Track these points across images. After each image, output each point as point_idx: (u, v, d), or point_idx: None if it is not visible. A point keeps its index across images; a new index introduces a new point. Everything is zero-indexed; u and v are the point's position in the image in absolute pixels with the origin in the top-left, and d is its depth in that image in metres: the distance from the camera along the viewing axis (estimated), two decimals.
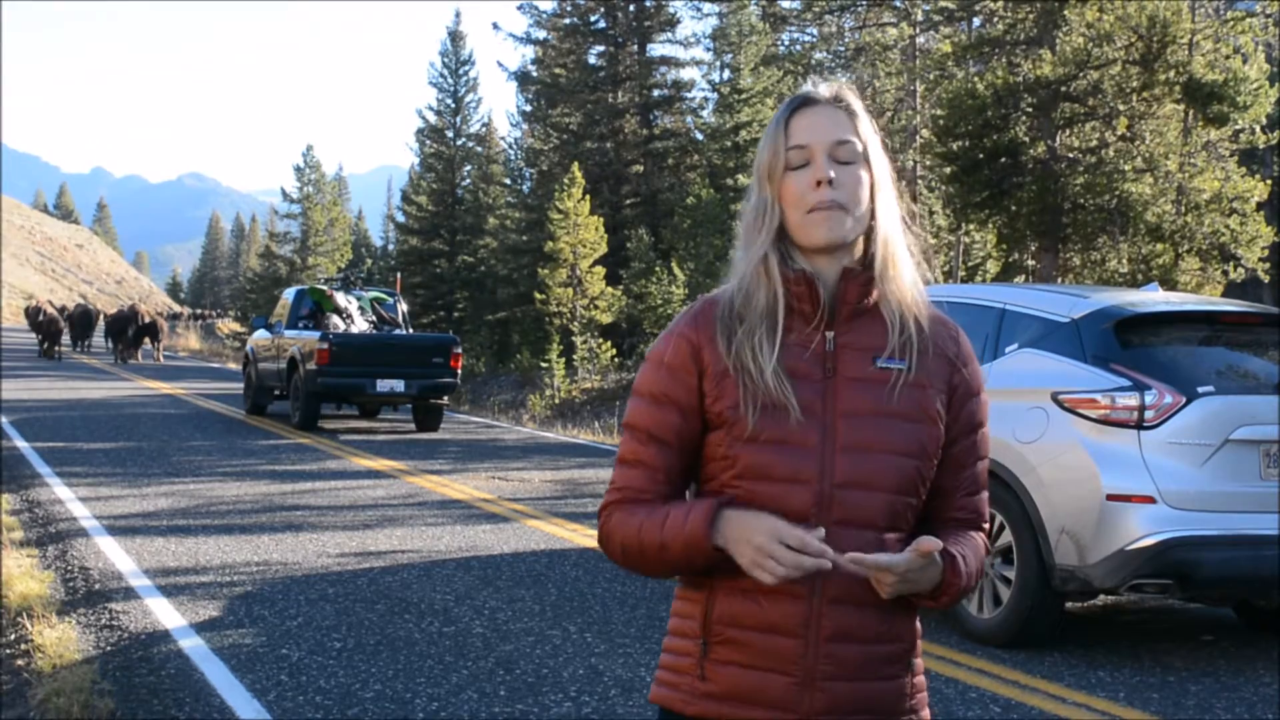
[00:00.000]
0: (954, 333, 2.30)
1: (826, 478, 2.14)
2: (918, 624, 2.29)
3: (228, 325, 75.99)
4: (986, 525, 2.34)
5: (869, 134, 2.23)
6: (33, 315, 46.51)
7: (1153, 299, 7.80)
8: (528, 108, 45.33)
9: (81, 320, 49.20)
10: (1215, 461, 6.81)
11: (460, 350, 20.09)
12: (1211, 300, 8.77)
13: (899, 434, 2.17)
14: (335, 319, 20.44)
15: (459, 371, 20.09)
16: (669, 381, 2.23)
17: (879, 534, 2.14)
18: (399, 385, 18.93)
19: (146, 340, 42.89)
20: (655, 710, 2.30)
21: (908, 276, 2.24)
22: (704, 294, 2.34)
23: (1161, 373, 6.96)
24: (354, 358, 18.59)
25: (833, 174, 2.17)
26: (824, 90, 2.24)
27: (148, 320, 42.57)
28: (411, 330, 23.08)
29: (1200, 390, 6.90)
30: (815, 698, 2.14)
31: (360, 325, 20.76)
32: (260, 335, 21.75)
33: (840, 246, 2.20)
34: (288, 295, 21.82)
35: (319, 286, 21.97)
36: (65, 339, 46.90)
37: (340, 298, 20.94)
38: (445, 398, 20.15)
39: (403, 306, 22.40)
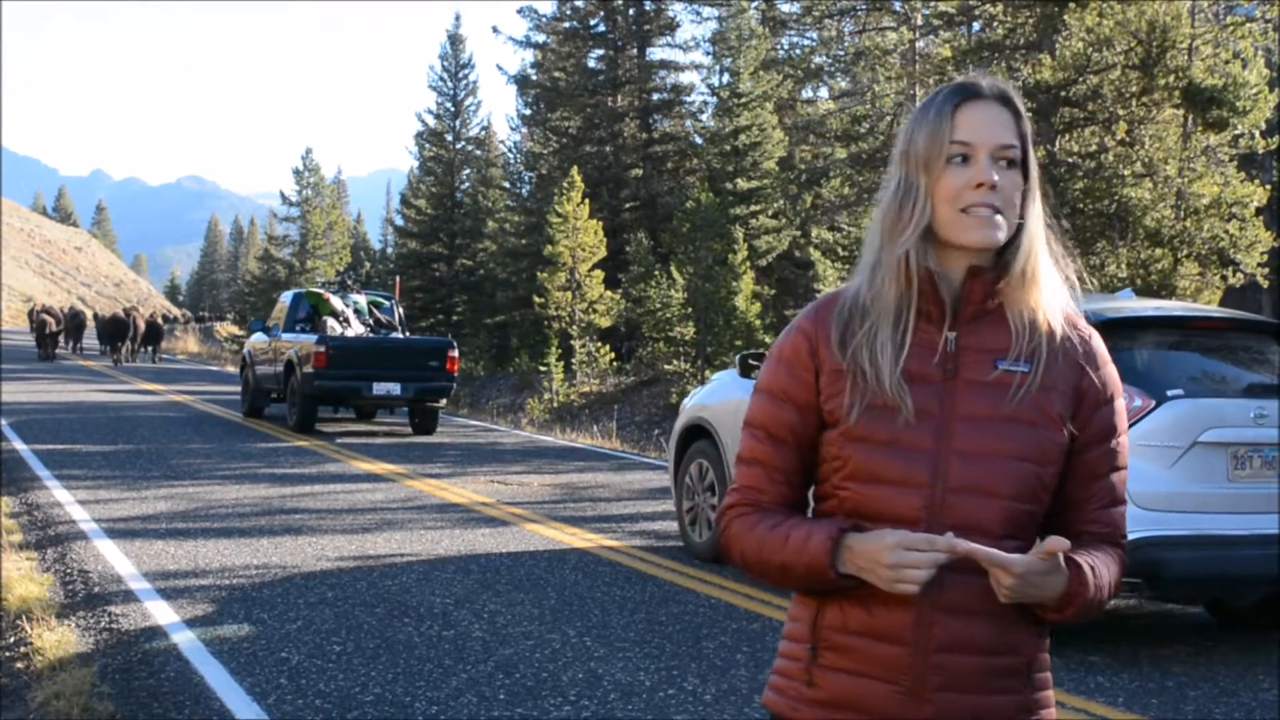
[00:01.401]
0: (1085, 335, 2.22)
1: (939, 482, 2.08)
2: (1046, 639, 2.22)
3: (226, 328, 76.05)
4: (1125, 540, 2.25)
5: (1028, 136, 2.17)
6: (32, 317, 46.75)
7: (1125, 305, 7.94)
8: (527, 111, 45.36)
9: (72, 322, 49.39)
10: (1184, 463, 6.95)
11: (456, 353, 20.16)
12: (1183, 306, 8.96)
13: (1017, 438, 2.10)
14: (332, 322, 20.50)
15: (455, 374, 20.14)
16: (786, 378, 2.19)
17: (995, 541, 2.05)
18: (395, 388, 19.01)
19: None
20: (764, 713, 2.26)
21: (1048, 283, 2.17)
22: (831, 289, 2.27)
23: (1132, 376, 7.05)
24: (350, 361, 18.70)
25: (996, 177, 2.10)
26: (989, 85, 2.16)
27: (145, 325, 42.69)
28: (408, 333, 23.19)
29: (1170, 393, 7.02)
30: (923, 709, 2.08)
31: (357, 328, 20.84)
32: (258, 338, 21.82)
33: (988, 249, 2.13)
34: (285, 298, 21.92)
35: (316, 290, 22.03)
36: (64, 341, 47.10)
37: (337, 301, 21.00)
38: (441, 400, 20.18)
39: (399, 310, 22.47)
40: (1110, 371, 2.22)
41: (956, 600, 2.07)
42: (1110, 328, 7.30)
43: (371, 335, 20.64)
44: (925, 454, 2.08)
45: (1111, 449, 2.20)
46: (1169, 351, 7.56)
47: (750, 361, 9.58)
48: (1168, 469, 6.91)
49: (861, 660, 2.10)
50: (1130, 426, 6.76)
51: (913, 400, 2.09)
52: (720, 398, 9.99)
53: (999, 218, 2.10)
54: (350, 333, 20.41)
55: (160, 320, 46.83)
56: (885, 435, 2.09)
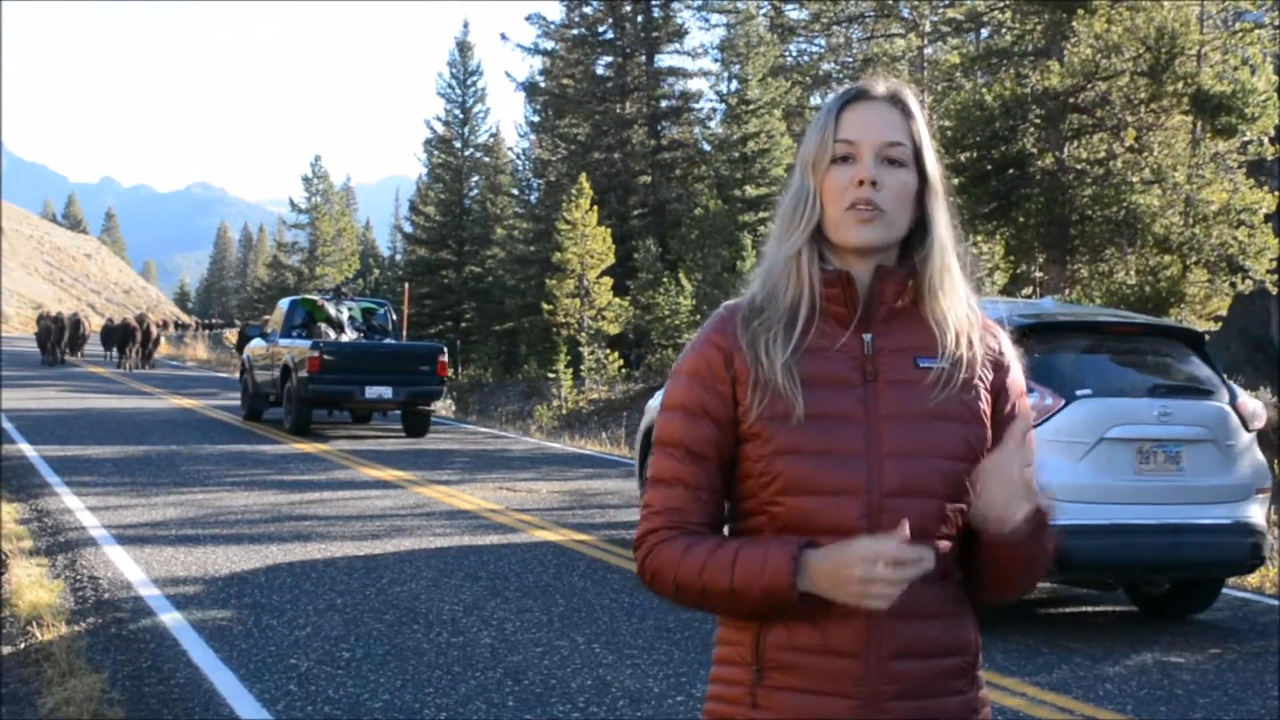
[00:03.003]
0: (995, 331, 2.22)
1: (875, 487, 2.04)
2: (979, 637, 2.18)
3: (235, 335, 76.13)
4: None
5: (922, 137, 2.14)
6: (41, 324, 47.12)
7: (1041, 310, 8.59)
8: (535, 118, 45.45)
9: (75, 330, 49.78)
10: (1092, 457, 7.56)
11: (446, 358, 20.69)
12: (1095, 311, 9.63)
13: (946, 437, 2.08)
14: (326, 328, 21.09)
15: (445, 378, 20.78)
16: (702, 392, 2.12)
17: (933, 542, 2.04)
18: (387, 392, 19.56)
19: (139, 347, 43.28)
20: None
21: (959, 283, 2.16)
22: (726, 302, 2.23)
23: (1044, 377, 7.61)
24: (344, 365, 19.33)
25: (876, 175, 2.07)
26: (881, 87, 2.15)
27: (152, 332, 43.04)
28: (403, 339, 23.98)
29: (1079, 393, 7.62)
30: (879, 719, 2.04)
31: (351, 334, 21.39)
32: (256, 344, 22.35)
33: (874, 250, 2.11)
34: (282, 305, 22.54)
35: (311, 297, 22.65)
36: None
37: (331, 308, 21.58)
38: (432, 403, 20.72)
39: (393, 316, 23.03)
40: (1019, 369, 2.23)
41: (906, 606, 2.01)
42: (1025, 332, 7.76)
43: (364, 340, 21.17)
44: (858, 459, 2.04)
45: (1025, 444, 2.19)
46: (1082, 355, 8.14)
47: None
48: (1076, 462, 7.48)
49: (812, 677, 2.04)
50: (1041, 424, 7.34)
51: (833, 403, 2.06)
52: None
53: (883, 217, 2.08)
54: (344, 338, 20.95)
55: (159, 327, 47.02)
56: (815, 445, 2.04)
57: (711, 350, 2.13)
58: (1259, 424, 8.29)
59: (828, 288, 2.11)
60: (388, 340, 21.87)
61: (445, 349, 21.05)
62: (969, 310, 2.18)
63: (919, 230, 2.14)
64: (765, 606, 2.02)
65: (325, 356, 19.14)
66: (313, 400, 19.56)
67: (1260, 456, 8.34)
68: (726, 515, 2.18)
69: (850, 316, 2.12)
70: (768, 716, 2.07)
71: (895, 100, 2.14)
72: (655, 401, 11.07)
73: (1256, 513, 8.03)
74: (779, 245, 2.16)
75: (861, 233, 2.08)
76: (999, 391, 2.18)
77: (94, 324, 61.49)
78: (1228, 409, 8.07)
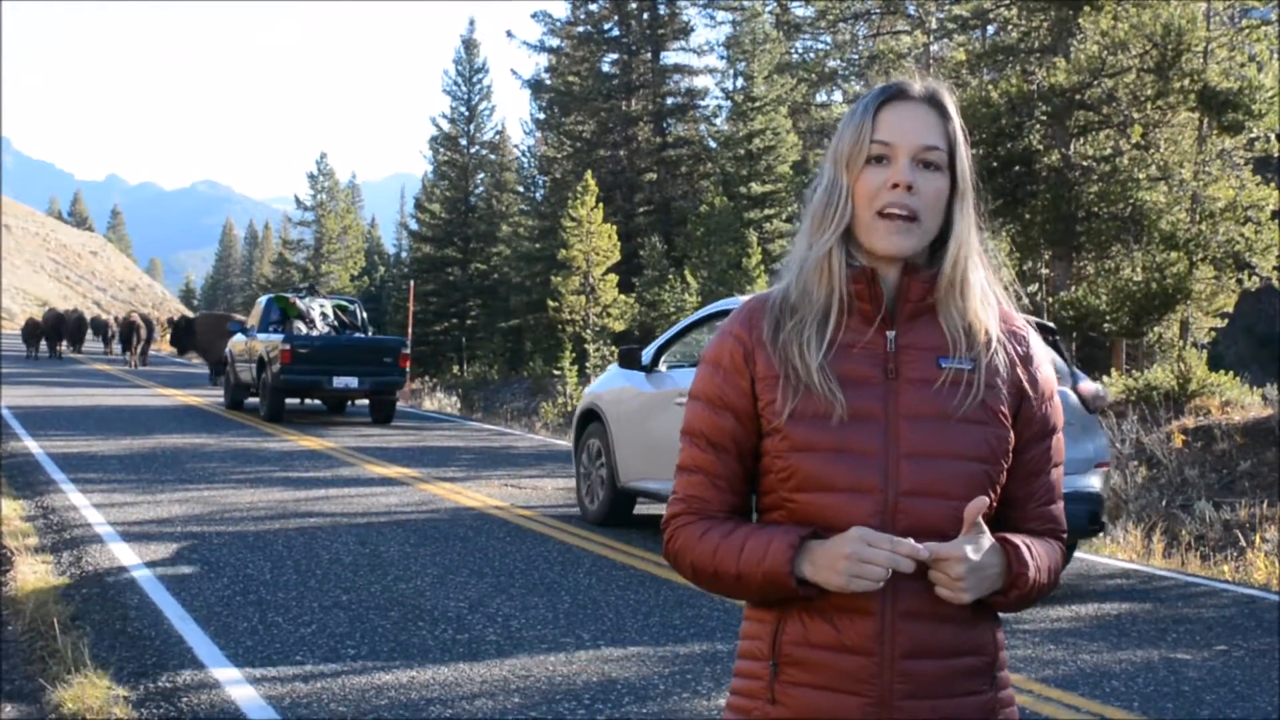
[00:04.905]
0: (1022, 332, 2.20)
1: (891, 486, 2.04)
2: (1000, 635, 2.18)
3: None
4: (1065, 535, 2.23)
5: (957, 138, 2.13)
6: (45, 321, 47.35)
7: None
8: (541, 115, 45.49)
9: (76, 328, 50.03)
10: None
11: (408, 350, 22.54)
12: None
13: (965, 437, 2.07)
14: (299, 323, 23.09)
15: (407, 370, 22.66)
16: (722, 384, 2.15)
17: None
18: (353, 382, 21.39)
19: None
20: None
21: (979, 284, 2.15)
22: (756, 293, 2.24)
23: None
24: (313, 357, 21.05)
25: (912, 179, 2.07)
26: (919, 86, 2.14)
27: (123, 327, 43.58)
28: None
29: None
30: (891, 717, 2.05)
31: (322, 329, 23.18)
32: (237, 339, 24.09)
33: (900, 258, 2.11)
34: (260, 303, 24.35)
35: (285, 295, 24.59)
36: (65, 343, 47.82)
37: (303, 305, 23.52)
38: (395, 393, 22.50)
39: (363, 313, 24.88)
40: (1048, 369, 2.21)
41: (918, 606, 2.04)
42: None
43: (332, 335, 22.88)
44: (874, 458, 2.05)
45: (1050, 446, 2.19)
46: None
47: (629, 355, 11.01)
48: None
49: (826, 674, 2.06)
50: None
51: (852, 400, 2.06)
52: (608, 386, 11.68)
53: (913, 225, 2.08)
54: (315, 333, 22.68)
55: (154, 324, 47.24)
56: (830, 442, 2.05)
57: (733, 343, 2.17)
58: (1100, 405, 9.19)
59: (854, 284, 2.11)
60: (355, 335, 23.54)
61: (408, 343, 22.90)
62: (992, 306, 2.17)
63: (946, 230, 2.14)
64: (767, 590, 2.06)
65: (296, 349, 20.86)
66: (285, 389, 21.27)
67: (1100, 435, 9.34)
68: (753, 503, 2.21)
69: (875, 313, 2.12)
70: (783, 713, 2.09)
71: (933, 101, 2.14)
72: (588, 390, 12.14)
73: (1095, 484, 8.97)
74: (810, 241, 2.15)
75: (894, 240, 2.08)
76: (1023, 392, 2.16)
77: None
78: (1068, 392, 8.96)
